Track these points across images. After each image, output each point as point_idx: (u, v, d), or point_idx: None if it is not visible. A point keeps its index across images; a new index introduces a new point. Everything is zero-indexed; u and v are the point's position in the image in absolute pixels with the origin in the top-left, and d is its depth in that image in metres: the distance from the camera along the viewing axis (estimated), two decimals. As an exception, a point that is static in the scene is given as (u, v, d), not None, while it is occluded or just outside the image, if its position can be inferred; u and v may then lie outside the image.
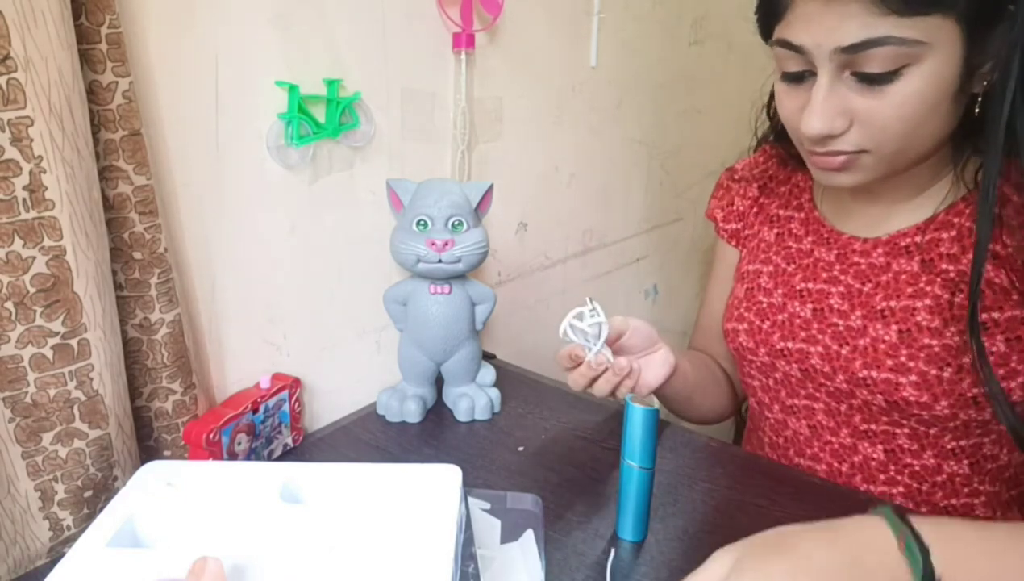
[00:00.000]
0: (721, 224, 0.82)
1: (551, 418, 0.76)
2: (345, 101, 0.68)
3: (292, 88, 0.63)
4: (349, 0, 0.68)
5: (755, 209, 0.79)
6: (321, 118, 0.67)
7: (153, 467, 0.49)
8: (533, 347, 1.06)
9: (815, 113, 0.56)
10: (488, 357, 0.86)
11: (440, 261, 0.68)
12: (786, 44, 0.57)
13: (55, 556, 0.54)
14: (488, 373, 0.79)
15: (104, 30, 0.49)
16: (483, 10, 0.80)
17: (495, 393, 0.78)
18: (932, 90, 0.54)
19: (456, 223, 0.70)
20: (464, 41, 0.79)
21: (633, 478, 0.55)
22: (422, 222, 0.69)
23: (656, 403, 0.55)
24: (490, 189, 0.73)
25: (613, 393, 0.64)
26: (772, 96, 0.72)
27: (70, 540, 0.54)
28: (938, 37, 0.52)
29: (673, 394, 0.76)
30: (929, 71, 0.53)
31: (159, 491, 0.46)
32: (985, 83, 0.55)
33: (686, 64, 1.24)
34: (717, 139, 1.37)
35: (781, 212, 0.76)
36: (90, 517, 0.54)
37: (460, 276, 0.73)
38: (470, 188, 0.72)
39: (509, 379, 0.83)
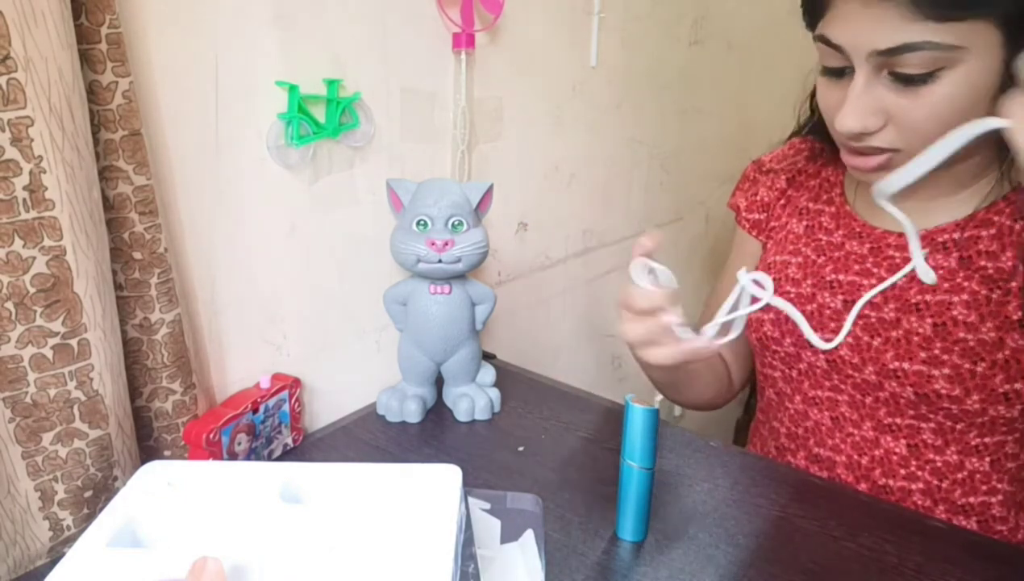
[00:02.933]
0: (744, 213, 0.82)
1: (551, 418, 0.76)
2: (345, 101, 0.68)
3: (292, 88, 0.63)
4: (349, 0, 0.68)
5: (782, 201, 0.79)
6: (321, 118, 0.67)
7: (153, 467, 0.49)
8: (533, 347, 1.06)
9: (850, 110, 0.57)
10: (488, 357, 0.86)
11: (440, 261, 0.68)
12: (826, 41, 0.58)
13: (55, 556, 0.54)
14: (488, 373, 0.79)
15: (104, 30, 0.49)
16: (483, 10, 0.80)
17: (495, 393, 0.78)
18: (968, 94, 0.54)
19: (456, 223, 0.70)
20: (464, 41, 0.78)
21: (633, 478, 0.55)
22: (422, 222, 0.69)
23: (656, 403, 0.55)
24: (490, 189, 0.73)
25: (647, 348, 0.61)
26: (814, 91, 0.73)
27: (70, 540, 0.54)
28: (976, 41, 0.52)
29: (669, 377, 0.76)
30: (966, 75, 0.53)
31: (159, 491, 0.46)
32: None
33: (686, 64, 1.24)
34: (717, 139, 1.37)
35: (811, 205, 0.76)
36: (90, 517, 0.54)
37: (460, 276, 0.73)
38: (470, 188, 0.72)
39: (509, 379, 0.83)
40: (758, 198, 0.81)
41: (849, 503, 0.62)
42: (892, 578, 0.53)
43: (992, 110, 0.56)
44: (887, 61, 0.54)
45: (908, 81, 0.54)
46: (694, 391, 0.81)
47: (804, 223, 0.75)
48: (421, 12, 0.76)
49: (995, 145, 0.62)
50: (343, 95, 0.68)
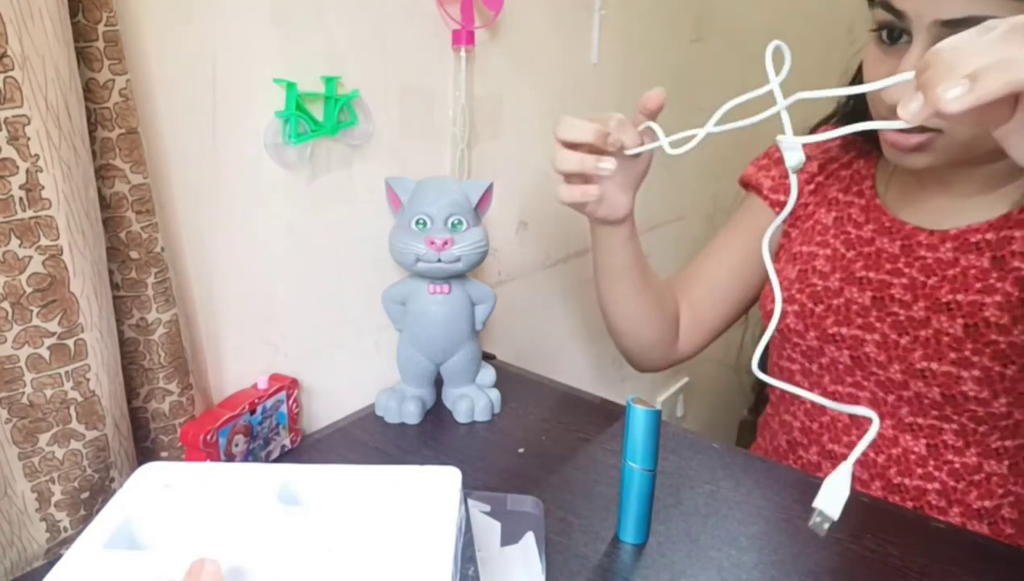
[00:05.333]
0: (768, 193, 0.80)
1: (551, 419, 0.76)
2: (343, 99, 0.68)
3: (290, 85, 0.63)
4: (348, -3, 0.68)
5: (811, 186, 0.78)
6: (319, 116, 0.66)
7: (150, 468, 0.48)
8: (533, 347, 1.05)
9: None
10: (488, 357, 0.86)
11: (439, 260, 0.68)
12: (888, 7, 0.58)
13: (52, 558, 0.54)
14: (488, 374, 0.79)
15: (101, 28, 0.48)
16: (483, 7, 0.80)
17: (495, 394, 0.77)
18: None
19: (455, 222, 0.69)
20: (464, 38, 0.78)
21: (634, 480, 0.55)
22: (421, 221, 0.69)
23: (658, 404, 0.54)
24: (490, 188, 0.73)
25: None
26: (856, 75, 0.72)
27: (67, 542, 0.54)
28: None
29: (612, 265, 0.74)
30: None
31: (156, 493, 0.46)
32: None
33: (688, 61, 1.24)
34: (717, 138, 1.37)
35: (841, 196, 0.75)
36: (87, 519, 0.54)
37: (460, 276, 0.73)
38: (470, 187, 0.72)
39: (509, 379, 0.83)
40: (787, 181, 0.79)
41: (852, 505, 0.61)
42: (895, 579, 0.53)
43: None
44: (947, 33, 0.53)
45: None
46: (635, 320, 0.78)
47: (833, 214, 0.74)
48: (420, 9, 0.75)
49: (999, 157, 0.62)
50: (341, 93, 0.68)
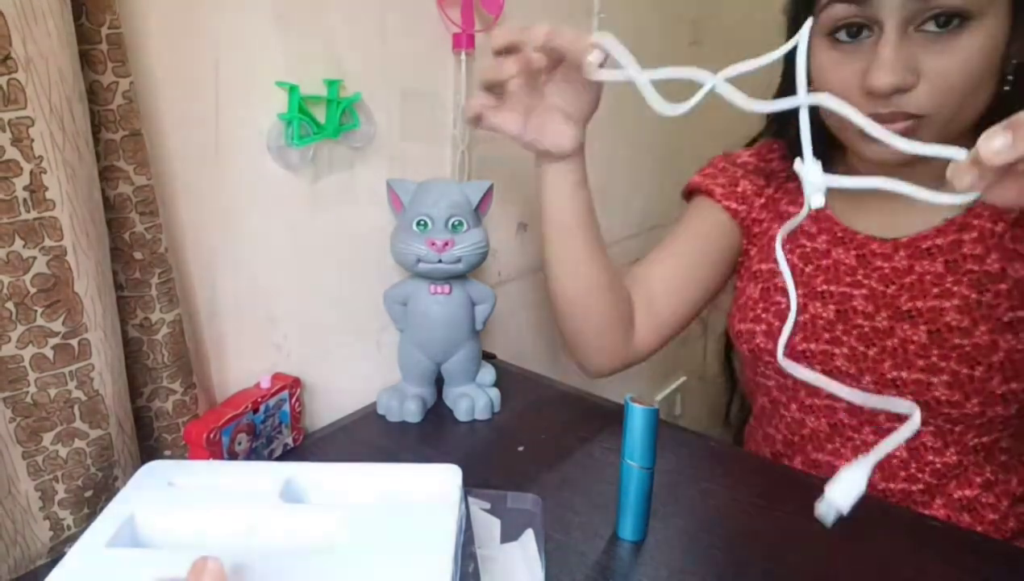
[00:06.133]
0: (720, 200, 0.77)
1: (551, 418, 0.76)
2: (345, 101, 0.68)
3: (292, 88, 0.63)
4: (349, 0, 0.68)
5: (763, 200, 0.77)
6: (321, 118, 0.67)
7: (153, 467, 0.49)
8: (533, 347, 1.06)
9: (886, 65, 0.55)
10: (488, 357, 0.86)
11: (440, 261, 0.68)
12: None
13: (55, 556, 0.54)
14: (488, 373, 0.79)
15: (105, 30, 0.49)
16: (483, 10, 0.80)
17: (495, 393, 0.78)
18: (993, 49, 0.55)
19: (456, 223, 0.70)
20: (464, 41, 0.79)
21: (633, 478, 0.55)
22: (422, 222, 0.69)
23: (656, 403, 0.55)
24: (490, 189, 0.74)
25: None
26: (778, 91, 0.71)
27: (70, 540, 0.54)
28: None
29: (562, 217, 0.69)
30: (990, 27, 0.54)
31: (159, 491, 0.46)
32: (1015, 62, 0.56)
33: (685, 64, 1.24)
34: (717, 139, 1.37)
35: (791, 209, 0.74)
36: (90, 517, 0.54)
37: (460, 276, 0.73)
38: (470, 188, 0.73)
39: (509, 379, 0.83)
40: (738, 189, 0.77)
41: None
42: (892, 577, 0.53)
43: (994, 82, 0.57)
44: (923, 5, 0.53)
45: (940, 32, 0.54)
46: (587, 292, 0.71)
47: None
48: (421, 13, 0.76)
49: (974, 140, 0.62)
50: (343, 95, 0.68)
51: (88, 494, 0.54)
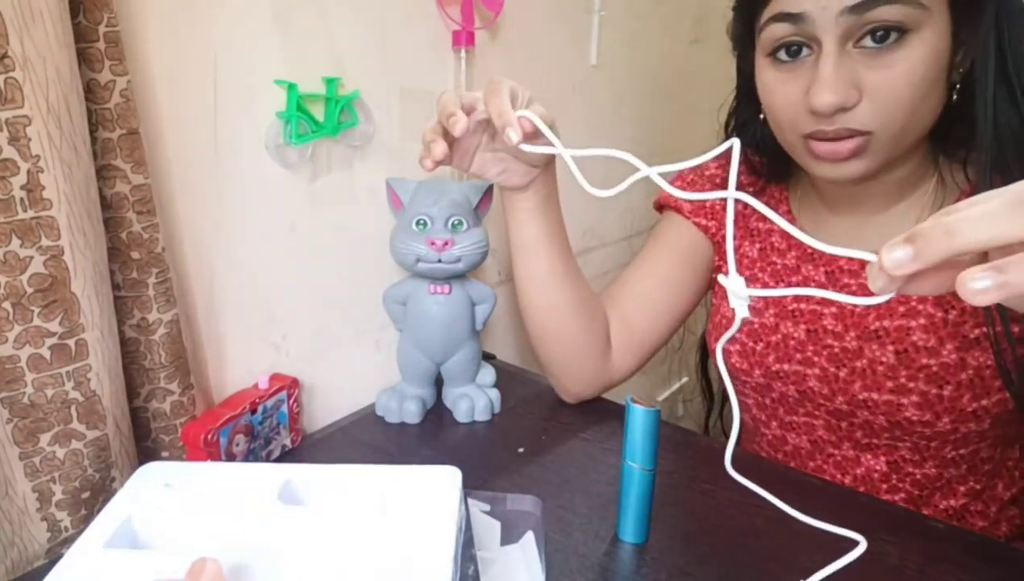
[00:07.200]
0: (689, 216, 0.76)
1: (551, 418, 0.76)
2: (344, 100, 0.68)
3: (291, 87, 0.63)
4: (348, -2, 0.68)
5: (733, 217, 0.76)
6: (320, 117, 0.67)
7: (151, 468, 0.48)
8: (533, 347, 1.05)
9: (826, 84, 0.54)
10: (488, 357, 0.86)
11: (440, 261, 0.68)
12: (784, 17, 0.56)
13: (53, 557, 0.54)
14: (488, 374, 0.79)
15: (102, 29, 0.48)
16: (483, 8, 0.80)
17: (495, 394, 0.77)
18: (935, 60, 0.54)
19: (456, 223, 0.69)
20: (464, 39, 0.78)
21: (634, 479, 0.55)
22: (422, 222, 0.69)
23: (657, 404, 0.54)
24: (490, 189, 0.73)
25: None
26: (734, 109, 0.72)
27: (68, 541, 0.54)
28: (934, 2, 0.53)
29: (520, 239, 0.67)
30: (929, 39, 0.53)
31: (157, 492, 0.46)
32: (961, 71, 0.56)
33: (686, 63, 1.24)
34: (717, 139, 1.37)
35: (761, 225, 0.73)
36: (88, 518, 0.54)
37: (460, 276, 0.73)
38: (470, 188, 0.72)
39: (509, 379, 0.83)
40: (707, 204, 0.76)
41: (850, 504, 0.62)
42: (894, 579, 0.53)
43: (943, 90, 0.56)
44: (856, 23, 0.53)
45: (878, 47, 0.53)
46: (557, 313, 0.70)
47: (757, 245, 0.73)
48: (421, 10, 0.75)
49: (928, 151, 0.61)
50: (342, 93, 0.68)
51: (85, 495, 0.54)
